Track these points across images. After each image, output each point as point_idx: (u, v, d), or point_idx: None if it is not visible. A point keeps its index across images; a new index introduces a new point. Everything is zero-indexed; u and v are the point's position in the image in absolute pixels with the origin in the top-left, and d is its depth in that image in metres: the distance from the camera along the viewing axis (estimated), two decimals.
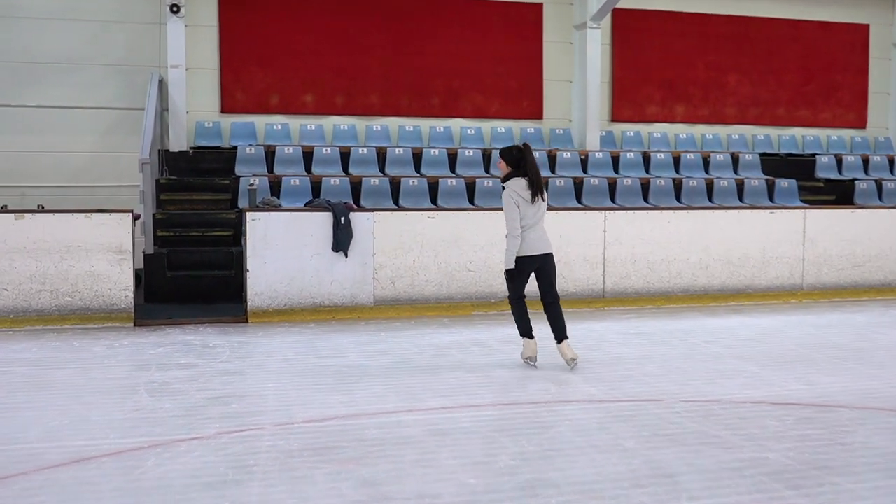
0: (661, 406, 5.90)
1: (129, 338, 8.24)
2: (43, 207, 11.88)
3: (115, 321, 8.82)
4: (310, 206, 9.59)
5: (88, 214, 8.73)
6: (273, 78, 13.61)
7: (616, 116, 15.15)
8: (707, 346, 8.04)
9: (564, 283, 9.95)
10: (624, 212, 10.52)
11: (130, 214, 8.86)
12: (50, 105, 13.00)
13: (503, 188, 7.01)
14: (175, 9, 12.58)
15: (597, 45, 14.40)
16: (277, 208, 9.43)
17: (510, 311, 7.23)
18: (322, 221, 9.26)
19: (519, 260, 6.93)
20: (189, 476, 4.44)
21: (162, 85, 12.75)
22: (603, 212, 10.30)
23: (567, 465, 4.65)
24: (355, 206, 9.51)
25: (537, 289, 7.09)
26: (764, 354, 7.66)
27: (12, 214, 8.56)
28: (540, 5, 14.68)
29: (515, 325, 7.19)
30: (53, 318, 8.69)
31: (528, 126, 14.66)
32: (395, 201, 12.12)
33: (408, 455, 4.78)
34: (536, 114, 14.80)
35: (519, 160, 6.97)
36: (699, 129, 15.44)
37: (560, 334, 7.02)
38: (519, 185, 6.91)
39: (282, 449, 4.87)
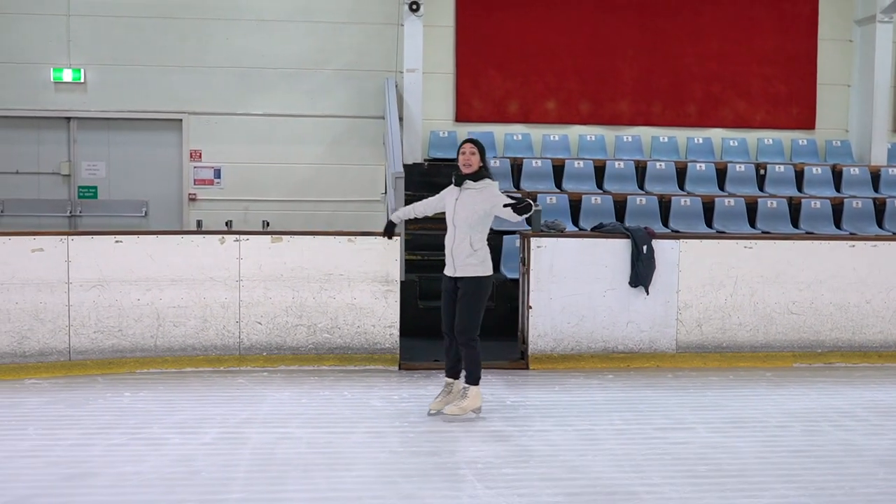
0: None
1: (404, 387, 6.89)
2: (268, 224, 10.90)
3: (377, 363, 7.53)
4: (601, 232, 8.01)
5: (352, 238, 7.47)
6: (513, 83, 12.20)
7: None
8: None
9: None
10: None
11: (399, 239, 7.55)
12: (275, 113, 12.04)
13: (475, 180, 6.00)
14: (415, 7, 11.38)
15: (887, 42, 12.25)
16: (563, 233, 7.91)
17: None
18: (618, 250, 7.67)
19: (490, 279, 6.06)
20: None
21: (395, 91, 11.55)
22: None
23: None
24: (656, 233, 7.87)
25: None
26: None
27: (269, 237, 7.41)
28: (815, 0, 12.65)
29: (474, 371, 5.98)
30: (310, 357, 7.47)
31: (799, 137, 12.63)
32: (664, 223, 10.43)
33: None
34: (808, 123, 12.75)
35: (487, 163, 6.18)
36: None
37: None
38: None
39: None
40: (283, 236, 7.42)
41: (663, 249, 7.73)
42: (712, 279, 7.83)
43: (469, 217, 5.97)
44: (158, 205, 12.03)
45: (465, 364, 6.01)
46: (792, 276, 7.94)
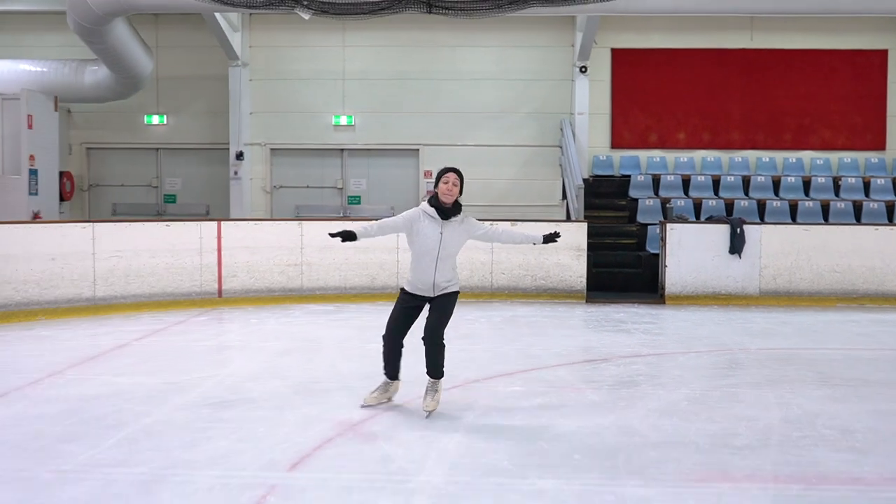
0: None
1: (592, 309, 11.89)
2: None
3: (572, 299, 12.51)
4: (710, 220, 12.81)
5: (558, 223, 12.52)
6: (652, 119, 17.01)
7: None
8: None
9: None
10: None
11: (586, 223, 12.54)
12: (482, 144, 17.17)
13: (456, 214, 6.22)
14: (583, 69, 16.39)
15: None
16: (687, 221, 12.76)
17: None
18: (722, 231, 12.42)
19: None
20: (691, 369, 7.87)
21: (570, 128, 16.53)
22: None
23: None
24: (747, 220, 12.60)
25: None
26: None
27: (509, 222, 12.52)
28: (885, 52, 16.92)
29: (441, 367, 6.22)
30: (531, 294, 12.55)
31: (872, 156, 16.90)
32: (761, 219, 15.01)
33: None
34: (879, 145, 17.00)
35: None
36: None
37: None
38: None
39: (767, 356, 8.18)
40: (517, 223, 12.52)
41: (751, 231, 12.43)
42: (782, 250, 12.46)
43: (456, 250, 6.13)
44: (402, 209, 17.31)
45: (433, 361, 6.11)
46: (835, 248, 12.48)
